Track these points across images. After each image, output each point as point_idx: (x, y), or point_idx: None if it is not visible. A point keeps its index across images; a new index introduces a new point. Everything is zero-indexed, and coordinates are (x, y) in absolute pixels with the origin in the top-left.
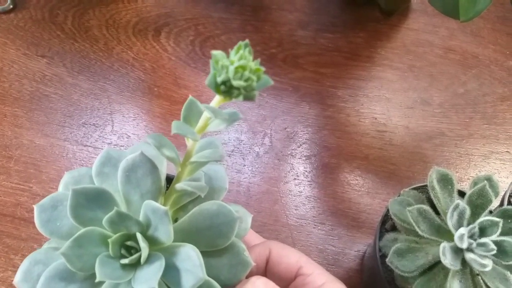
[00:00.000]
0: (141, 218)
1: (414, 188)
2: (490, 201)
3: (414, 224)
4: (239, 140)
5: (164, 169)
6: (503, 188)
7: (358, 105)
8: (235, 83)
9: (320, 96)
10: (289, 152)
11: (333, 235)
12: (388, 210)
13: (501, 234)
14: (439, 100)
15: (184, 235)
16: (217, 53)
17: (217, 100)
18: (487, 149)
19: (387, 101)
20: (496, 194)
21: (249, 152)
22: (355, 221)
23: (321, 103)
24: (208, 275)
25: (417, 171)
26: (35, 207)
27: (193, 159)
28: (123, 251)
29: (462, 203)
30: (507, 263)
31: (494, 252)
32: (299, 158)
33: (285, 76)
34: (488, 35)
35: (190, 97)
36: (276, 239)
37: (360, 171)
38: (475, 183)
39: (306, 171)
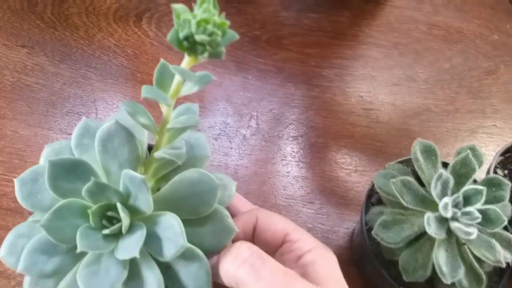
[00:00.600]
0: (120, 188)
1: (399, 162)
2: (474, 170)
3: (398, 195)
4: (225, 123)
5: (145, 138)
6: (490, 161)
7: (343, 84)
8: (198, 37)
9: (305, 77)
10: (276, 134)
11: (322, 214)
12: (373, 185)
13: (486, 202)
14: (424, 76)
15: (166, 204)
16: (178, 6)
17: (186, 61)
18: (474, 123)
19: (373, 79)
20: (480, 163)
21: (236, 135)
22: (343, 199)
23: (307, 84)
24: (192, 243)
25: (404, 147)
26: (15, 181)
27: (169, 125)
28: (104, 222)
29: (446, 173)
30: (492, 231)
31: (479, 220)
32: (286, 139)
33: (270, 58)
34: (472, 10)
35: (162, 60)
36: None
37: (347, 150)
38: (458, 153)
39: (294, 151)
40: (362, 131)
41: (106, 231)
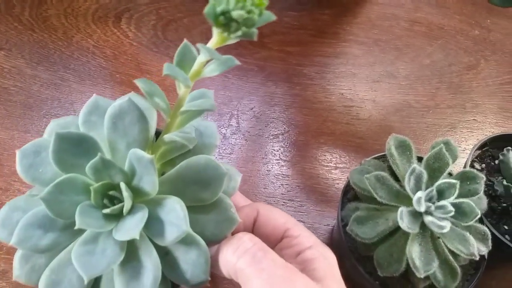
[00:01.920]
0: (126, 167)
1: (376, 158)
2: (447, 164)
3: (372, 191)
4: None
5: (154, 122)
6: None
7: (324, 82)
8: (235, 14)
9: (286, 75)
10: (256, 132)
11: (302, 211)
12: (349, 181)
13: (460, 196)
14: (405, 72)
15: (171, 188)
16: None
17: (214, 41)
18: (454, 118)
19: (353, 76)
20: (454, 158)
21: None
22: (323, 196)
23: (288, 82)
24: (194, 230)
25: (384, 143)
26: (17, 152)
27: (184, 108)
28: (105, 201)
29: (419, 167)
30: (466, 224)
31: (452, 213)
32: (266, 137)
33: (251, 56)
34: (453, 6)
35: (185, 41)
36: None
37: (327, 147)
38: (432, 148)
39: (274, 150)
40: (343, 128)
41: (106, 211)
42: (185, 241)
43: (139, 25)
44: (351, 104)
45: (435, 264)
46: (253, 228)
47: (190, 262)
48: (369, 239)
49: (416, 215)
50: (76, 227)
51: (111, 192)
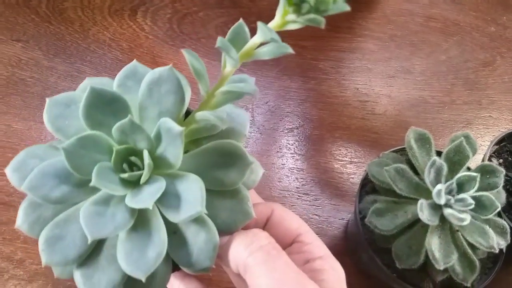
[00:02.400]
0: (152, 135)
1: (394, 151)
2: (468, 157)
3: (391, 183)
4: None
5: (188, 99)
6: (485, 151)
7: (340, 77)
8: None
9: (301, 69)
10: (271, 126)
11: (317, 205)
12: (367, 173)
13: (479, 189)
14: (420, 68)
15: (192, 167)
16: None
17: (275, 23)
18: (470, 114)
19: (369, 71)
20: (474, 151)
21: None
22: (338, 190)
23: (303, 76)
24: (206, 214)
25: (399, 138)
26: (47, 100)
27: (225, 88)
28: (125, 166)
29: (439, 160)
30: (485, 217)
31: (472, 206)
32: (281, 131)
33: None
34: (468, 2)
35: (241, 20)
36: None
37: (342, 141)
38: (452, 141)
39: (289, 143)
40: (358, 123)
41: (124, 175)
42: (196, 223)
43: (154, 18)
44: (366, 99)
45: (455, 256)
46: (264, 227)
47: (198, 245)
48: (388, 231)
49: (436, 208)
50: (91, 184)
51: (132, 158)
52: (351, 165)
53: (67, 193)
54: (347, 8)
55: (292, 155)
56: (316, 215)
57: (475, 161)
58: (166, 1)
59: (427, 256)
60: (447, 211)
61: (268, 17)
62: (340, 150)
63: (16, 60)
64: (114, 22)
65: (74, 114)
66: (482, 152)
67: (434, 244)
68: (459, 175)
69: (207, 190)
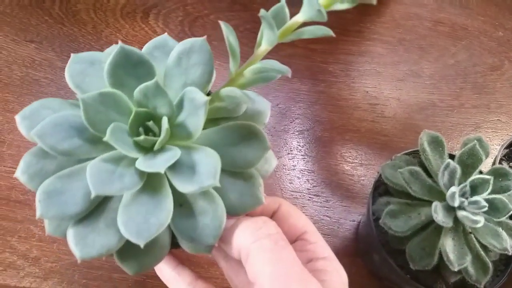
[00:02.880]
0: (175, 103)
1: (406, 154)
2: (481, 160)
3: (406, 185)
4: None
5: (213, 77)
6: (494, 155)
7: (349, 80)
8: None
9: (311, 72)
10: (282, 128)
11: (328, 206)
12: (380, 175)
13: (492, 192)
14: (429, 72)
15: (209, 143)
16: None
17: (321, 1)
18: (479, 118)
19: (378, 75)
20: (487, 154)
21: None
22: (349, 192)
23: (312, 79)
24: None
25: (409, 141)
26: (72, 55)
27: (257, 65)
28: (140, 130)
29: (453, 163)
30: (498, 219)
31: (486, 209)
32: (292, 133)
33: (276, 53)
34: (476, 7)
35: (283, 1)
36: None
37: (353, 144)
38: (465, 144)
39: (300, 145)
40: (368, 125)
41: (139, 138)
42: (205, 198)
43: (166, 21)
44: (376, 102)
45: (468, 258)
46: None
47: (203, 221)
48: (401, 232)
49: (449, 210)
50: (104, 139)
51: (149, 123)
52: (361, 167)
53: (77, 147)
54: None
55: (303, 156)
56: (327, 216)
57: (484, 164)
58: (177, 4)
59: (440, 257)
60: (461, 213)
61: None
62: (350, 152)
63: (30, 61)
64: (126, 24)
65: (96, 73)
66: (491, 155)
67: (448, 246)
68: (472, 177)
69: (221, 169)
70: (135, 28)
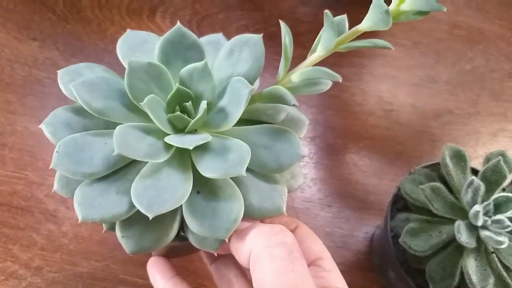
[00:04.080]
0: (218, 89)
1: (425, 167)
2: (505, 177)
3: (427, 202)
4: None
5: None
6: None
7: (363, 84)
8: None
9: None
10: None
11: (341, 217)
12: (399, 190)
13: None
14: (445, 77)
15: (242, 140)
16: None
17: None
18: (496, 126)
19: (393, 79)
20: (511, 170)
21: None
22: (362, 203)
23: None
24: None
25: (425, 150)
26: (128, 30)
27: (309, 68)
28: (177, 108)
29: (477, 180)
30: None
31: (510, 228)
32: (303, 139)
33: None
34: (493, 10)
35: (345, 15)
36: None
37: (366, 152)
38: (488, 159)
39: (311, 152)
40: (382, 132)
41: (175, 114)
42: (225, 190)
43: (174, 19)
44: (390, 108)
45: (491, 280)
46: None
47: (218, 212)
48: (422, 252)
49: (472, 229)
50: (141, 104)
51: (187, 103)
52: (375, 177)
53: (110, 108)
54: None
55: (315, 164)
56: (339, 228)
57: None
58: (185, 2)
59: (461, 278)
60: (484, 233)
61: (289, 20)
62: (364, 160)
63: (32, 59)
64: (132, 22)
65: (147, 52)
66: None
67: (470, 267)
68: (496, 195)
69: (247, 168)
70: (141, 26)
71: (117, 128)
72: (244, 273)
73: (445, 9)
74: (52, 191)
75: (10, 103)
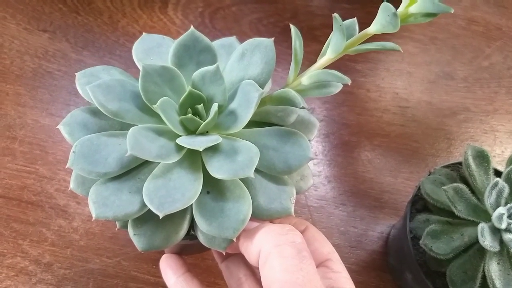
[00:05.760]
0: (229, 92)
1: (445, 166)
2: None
3: (450, 203)
4: None
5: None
6: None
7: (378, 80)
8: None
9: (338, 70)
10: None
11: (355, 216)
12: (418, 190)
13: None
14: (463, 74)
15: (251, 142)
16: None
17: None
18: None
19: (409, 75)
20: None
21: None
22: (377, 202)
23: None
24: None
25: (441, 148)
26: (144, 34)
27: (317, 71)
28: (189, 111)
29: (502, 182)
30: None
31: None
32: (317, 136)
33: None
34: (511, 6)
35: (354, 19)
36: None
37: (381, 149)
38: (511, 161)
39: (325, 150)
40: (398, 130)
41: (187, 116)
42: (234, 190)
43: (186, 11)
44: (406, 104)
45: None
46: None
47: (227, 212)
48: (443, 255)
49: (495, 232)
50: (154, 106)
51: (199, 106)
52: (390, 175)
53: (125, 110)
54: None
55: (329, 162)
56: (354, 227)
57: None
58: None
59: (482, 281)
60: (507, 236)
61: (303, 14)
62: (379, 158)
63: (42, 51)
64: (144, 15)
65: (161, 54)
66: None
67: (493, 271)
68: None
69: (255, 169)
70: (153, 18)
71: (131, 129)
72: (254, 272)
73: (452, 11)
74: (68, 189)
75: (20, 96)
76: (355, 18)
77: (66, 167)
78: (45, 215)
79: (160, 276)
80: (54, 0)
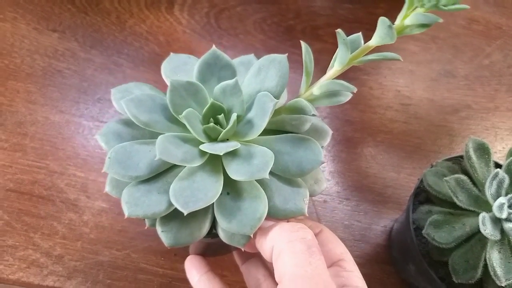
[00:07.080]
0: (247, 104)
1: (447, 159)
2: None
3: (452, 194)
4: None
5: (283, 100)
6: None
7: (381, 78)
8: None
9: (344, 72)
10: None
11: (359, 211)
12: (421, 182)
13: None
14: (463, 72)
15: (266, 146)
16: None
17: (403, 14)
18: None
19: (411, 73)
20: None
21: None
22: (381, 196)
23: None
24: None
25: (443, 144)
26: (171, 54)
27: (329, 81)
28: (211, 120)
29: (502, 172)
30: None
31: None
32: None
33: None
34: (511, 5)
35: (360, 34)
36: None
37: (384, 145)
38: (511, 153)
39: (329, 146)
40: (400, 126)
41: (209, 125)
42: (252, 191)
43: (192, 12)
44: (408, 102)
45: None
46: None
47: (245, 210)
48: (445, 244)
49: (496, 221)
50: (180, 116)
51: (220, 116)
52: (393, 170)
53: (155, 121)
54: (466, 7)
55: (333, 158)
56: (358, 221)
57: None
58: None
59: (483, 270)
60: (508, 225)
61: (306, 14)
62: (382, 154)
63: (52, 50)
64: (151, 15)
65: (187, 72)
66: None
67: (495, 260)
68: None
69: (270, 172)
70: (159, 19)
71: (159, 137)
72: (271, 274)
73: (441, 20)
74: (104, 192)
75: (31, 94)
76: (360, 33)
77: (102, 171)
78: (56, 209)
79: (167, 268)
80: (63, 1)
